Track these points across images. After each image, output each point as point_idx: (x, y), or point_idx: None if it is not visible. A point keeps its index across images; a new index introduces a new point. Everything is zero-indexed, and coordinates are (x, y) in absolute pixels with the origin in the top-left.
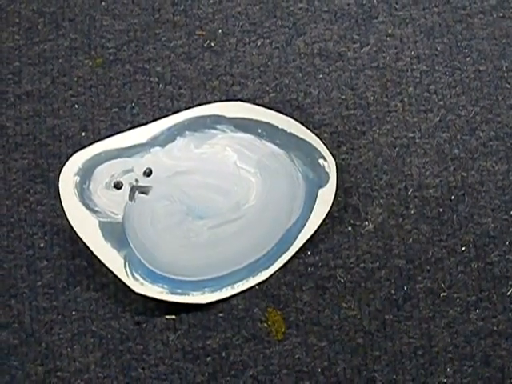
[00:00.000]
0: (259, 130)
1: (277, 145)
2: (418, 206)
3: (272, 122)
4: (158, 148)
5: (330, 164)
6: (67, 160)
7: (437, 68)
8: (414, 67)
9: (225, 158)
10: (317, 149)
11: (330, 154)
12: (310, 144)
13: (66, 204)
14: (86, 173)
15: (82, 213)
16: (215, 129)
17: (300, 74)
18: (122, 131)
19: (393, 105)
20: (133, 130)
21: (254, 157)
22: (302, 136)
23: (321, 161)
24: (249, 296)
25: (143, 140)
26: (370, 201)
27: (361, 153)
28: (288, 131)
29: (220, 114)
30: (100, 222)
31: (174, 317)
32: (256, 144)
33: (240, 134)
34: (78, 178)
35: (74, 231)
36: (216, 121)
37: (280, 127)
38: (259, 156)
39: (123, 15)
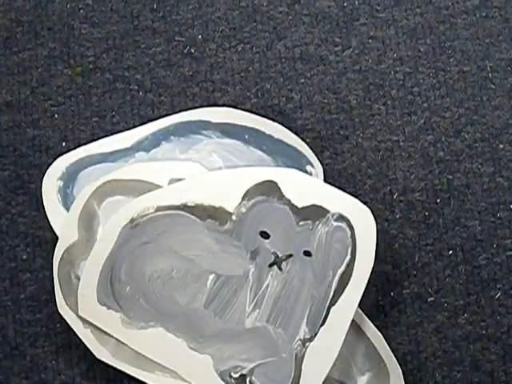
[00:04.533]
0: (246, 136)
1: (263, 151)
2: (403, 210)
3: (259, 127)
4: (142, 153)
5: (317, 171)
6: (48, 168)
7: (420, 70)
8: (397, 69)
9: (210, 163)
10: (304, 155)
11: (317, 161)
12: (298, 150)
13: (49, 209)
14: (70, 177)
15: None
16: (201, 134)
17: (281, 79)
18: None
19: (376, 108)
20: (117, 135)
21: (240, 163)
22: (289, 142)
23: (308, 167)
24: None
25: (128, 145)
26: None
27: (344, 157)
28: (275, 137)
29: (206, 119)
30: None
31: None
32: (242, 150)
33: (226, 140)
34: (61, 183)
35: (57, 237)
36: (202, 126)
37: (267, 133)
38: (245, 162)
39: (102, 23)
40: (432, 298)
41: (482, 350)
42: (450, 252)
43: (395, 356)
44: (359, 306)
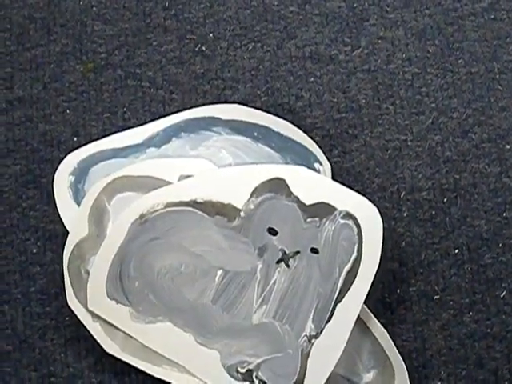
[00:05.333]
0: (255, 133)
1: (272, 148)
2: (410, 209)
3: (268, 125)
4: (153, 149)
5: (325, 168)
6: (59, 163)
7: (428, 70)
8: (406, 70)
9: (220, 160)
10: (313, 153)
11: (325, 159)
12: (306, 148)
13: (60, 204)
14: (82, 172)
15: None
16: (211, 131)
17: (291, 78)
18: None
19: (384, 108)
20: (128, 131)
21: (249, 160)
22: (297, 140)
23: (316, 165)
24: None
25: (139, 141)
26: None
27: (353, 156)
28: (284, 135)
29: (216, 116)
30: None
31: None
32: (251, 147)
33: (235, 137)
34: (72, 178)
35: (67, 231)
36: (212, 123)
37: (276, 130)
38: (254, 159)
39: (114, 20)
40: (438, 296)
41: (486, 348)
42: (456, 251)
43: (401, 353)
44: (365, 303)
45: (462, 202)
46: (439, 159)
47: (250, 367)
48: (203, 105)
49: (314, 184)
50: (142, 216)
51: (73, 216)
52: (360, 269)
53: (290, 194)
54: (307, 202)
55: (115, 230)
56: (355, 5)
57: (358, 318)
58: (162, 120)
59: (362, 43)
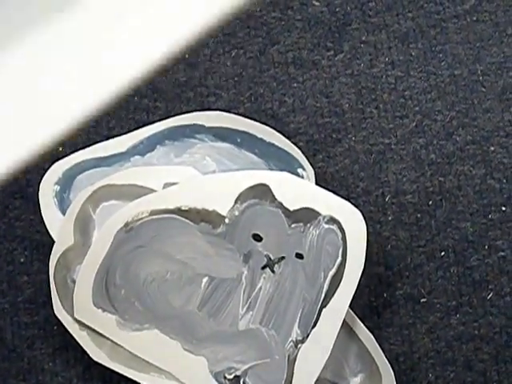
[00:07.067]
0: (238, 140)
1: (256, 154)
2: (395, 213)
3: (251, 131)
4: (137, 157)
5: (309, 174)
6: (45, 173)
7: (412, 73)
8: (389, 73)
9: (204, 167)
10: (296, 158)
11: (309, 164)
12: (289, 154)
13: (46, 213)
14: (66, 182)
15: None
16: (195, 138)
17: (274, 84)
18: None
19: (368, 111)
20: (113, 140)
21: (233, 166)
22: (281, 146)
23: (300, 170)
24: None
25: (123, 149)
26: None
27: (337, 160)
28: (267, 141)
29: (199, 123)
30: None
31: None
32: (235, 153)
33: (219, 144)
34: (58, 187)
35: (53, 240)
36: (195, 130)
37: (259, 137)
38: (238, 165)
39: None
40: (424, 299)
41: (474, 349)
42: (442, 253)
43: (388, 356)
44: (351, 307)
45: (447, 205)
46: (424, 162)
47: (238, 373)
48: (187, 112)
49: (298, 189)
50: (126, 224)
51: (58, 225)
52: (345, 273)
53: (273, 199)
54: (291, 208)
55: (100, 239)
56: (337, 9)
57: (344, 322)
58: (146, 128)
59: (344, 48)
